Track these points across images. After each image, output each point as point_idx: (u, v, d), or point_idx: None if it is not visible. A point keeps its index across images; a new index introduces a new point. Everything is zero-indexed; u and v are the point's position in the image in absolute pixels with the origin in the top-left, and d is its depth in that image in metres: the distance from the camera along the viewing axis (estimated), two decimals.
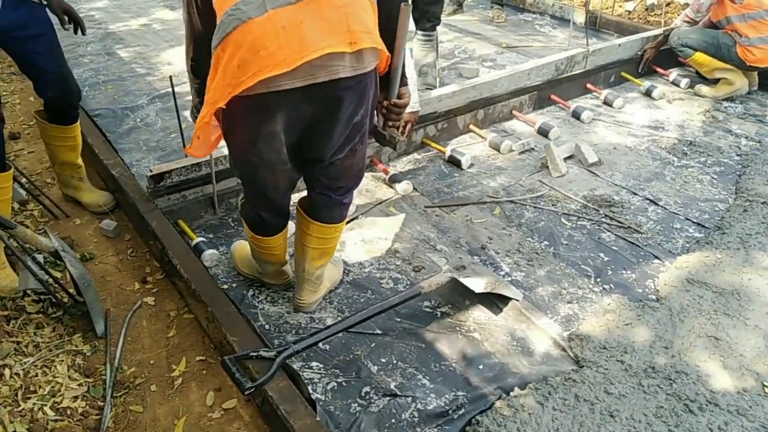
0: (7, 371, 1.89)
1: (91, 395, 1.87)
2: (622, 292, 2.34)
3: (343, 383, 1.93)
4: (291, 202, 2.09)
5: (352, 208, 2.72)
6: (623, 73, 4.27)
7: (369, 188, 2.97)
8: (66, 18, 2.41)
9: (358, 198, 2.86)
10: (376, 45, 1.62)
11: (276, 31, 1.49)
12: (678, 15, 4.93)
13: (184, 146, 2.74)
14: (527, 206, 2.86)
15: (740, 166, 3.26)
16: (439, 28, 3.78)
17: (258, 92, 1.56)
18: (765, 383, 1.94)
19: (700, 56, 4.05)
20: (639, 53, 4.32)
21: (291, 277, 2.29)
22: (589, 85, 4.08)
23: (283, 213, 2.06)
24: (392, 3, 1.72)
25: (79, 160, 2.79)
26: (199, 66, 1.82)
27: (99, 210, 2.78)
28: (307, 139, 1.76)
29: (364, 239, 2.60)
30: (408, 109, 2.93)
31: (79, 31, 2.48)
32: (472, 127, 3.50)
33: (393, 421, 1.80)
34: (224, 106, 1.58)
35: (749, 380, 1.95)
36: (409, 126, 3.00)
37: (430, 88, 3.68)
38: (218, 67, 1.56)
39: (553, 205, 2.88)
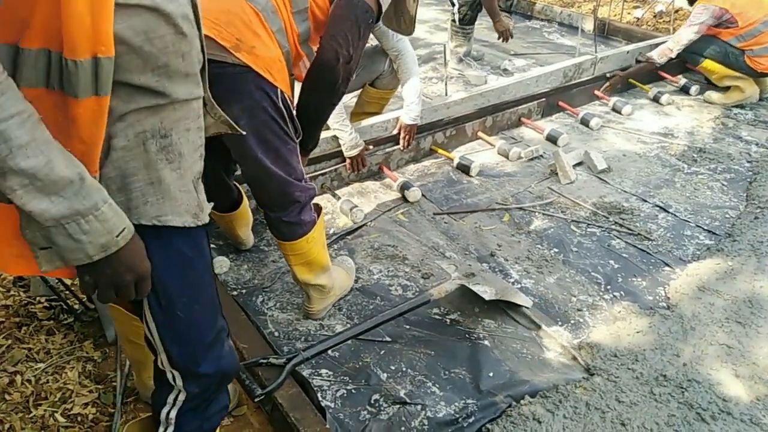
0: (18, 378, 1.90)
1: (102, 402, 1.88)
2: (632, 299, 2.33)
3: (353, 390, 1.92)
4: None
5: (360, 214, 2.73)
6: (631, 80, 4.27)
7: (378, 195, 2.97)
8: None
9: (366, 205, 2.86)
10: (210, 34, 1.59)
11: None
12: (684, 23, 4.90)
13: None
14: (536, 213, 2.86)
15: (751, 172, 3.24)
16: (444, 36, 3.84)
17: None
18: None
19: (709, 63, 4.04)
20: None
21: (246, 244, 2.54)
22: (597, 92, 4.07)
23: (216, 189, 2.20)
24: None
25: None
26: None
27: None
28: None
29: (372, 246, 2.60)
30: (407, 121, 2.99)
31: None
32: (480, 134, 3.50)
33: (403, 429, 1.80)
34: None
35: (762, 389, 1.93)
36: (407, 137, 3.03)
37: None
38: None
39: (562, 212, 2.87)
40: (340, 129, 2.82)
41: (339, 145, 2.90)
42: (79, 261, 0.96)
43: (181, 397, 1.31)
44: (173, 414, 1.31)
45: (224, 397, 1.39)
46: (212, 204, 1.27)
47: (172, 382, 1.28)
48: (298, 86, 1.99)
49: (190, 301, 1.21)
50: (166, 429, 1.33)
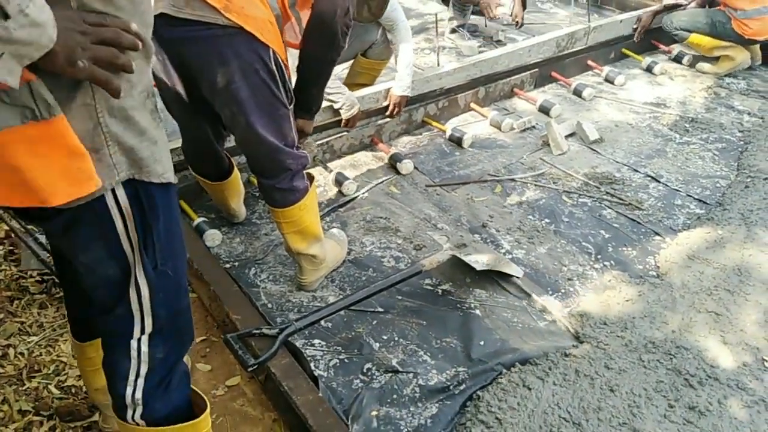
0: (11, 351, 1.91)
1: None
2: (622, 268, 2.35)
3: (345, 360, 1.94)
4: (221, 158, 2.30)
5: (352, 187, 2.72)
6: (624, 50, 4.23)
7: (370, 167, 2.96)
8: None
9: (358, 177, 2.85)
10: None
11: None
12: None
13: None
14: (528, 184, 2.86)
15: (742, 142, 3.24)
16: (437, 6, 3.81)
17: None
18: (765, 357, 1.95)
19: (696, 38, 4.01)
20: (634, 26, 4.23)
21: (239, 217, 2.53)
22: (590, 62, 4.04)
23: (206, 158, 2.26)
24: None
25: None
26: None
27: None
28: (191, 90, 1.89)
29: (364, 218, 2.60)
30: (398, 92, 2.96)
31: None
32: (473, 105, 3.48)
33: (395, 396, 1.82)
34: None
35: (749, 355, 1.96)
36: (396, 109, 3.01)
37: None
38: None
39: (554, 182, 2.87)
40: (336, 92, 2.79)
41: (330, 117, 2.87)
42: (43, 48, 0.83)
43: (143, 369, 1.23)
44: (139, 394, 1.25)
45: (183, 363, 1.35)
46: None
47: (135, 352, 1.21)
48: (291, 56, 1.96)
49: (177, 259, 1.22)
50: (134, 410, 1.26)
